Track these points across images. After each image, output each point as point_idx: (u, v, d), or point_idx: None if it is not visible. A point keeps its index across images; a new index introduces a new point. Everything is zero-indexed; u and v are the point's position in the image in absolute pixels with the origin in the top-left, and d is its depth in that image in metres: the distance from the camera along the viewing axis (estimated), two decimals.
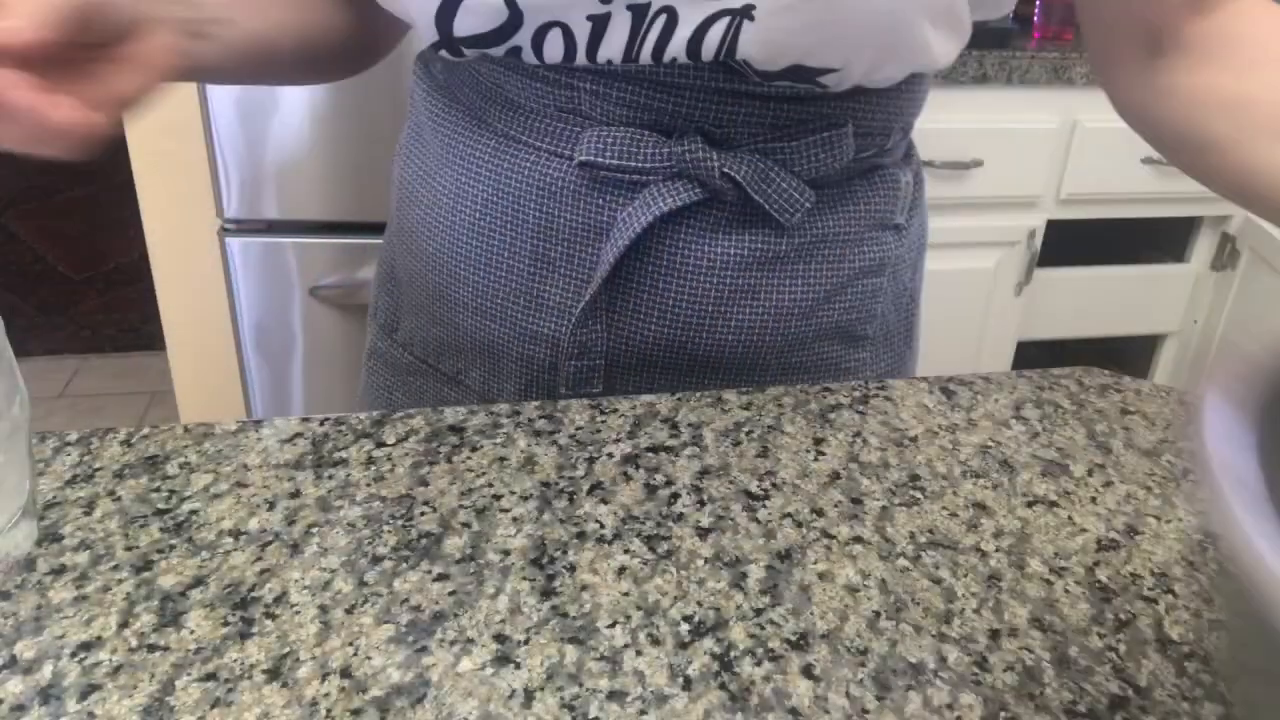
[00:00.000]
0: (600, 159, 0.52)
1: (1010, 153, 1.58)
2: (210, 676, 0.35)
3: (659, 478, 0.47)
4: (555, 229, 0.55)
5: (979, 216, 1.64)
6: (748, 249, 0.54)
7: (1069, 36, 1.69)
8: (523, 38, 0.50)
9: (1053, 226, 1.68)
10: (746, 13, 0.47)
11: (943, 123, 1.52)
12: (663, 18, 0.48)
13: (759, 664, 0.37)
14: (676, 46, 0.49)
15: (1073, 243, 1.76)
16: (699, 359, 0.57)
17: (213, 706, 0.34)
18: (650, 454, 0.49)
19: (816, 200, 0.55)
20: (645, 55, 0.50)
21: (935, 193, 1.58)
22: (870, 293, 0.60)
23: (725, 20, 0.48)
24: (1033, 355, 1.81)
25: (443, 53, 0.53)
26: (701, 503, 0.45)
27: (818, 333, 0.59)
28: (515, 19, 0.49)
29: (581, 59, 0.50)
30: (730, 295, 0.55)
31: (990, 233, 1.65)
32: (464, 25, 0.50)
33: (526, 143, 0.54)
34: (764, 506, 0.45)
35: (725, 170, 0.52)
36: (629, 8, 0.48)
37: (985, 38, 1.54)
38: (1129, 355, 1.98)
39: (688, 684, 0.36)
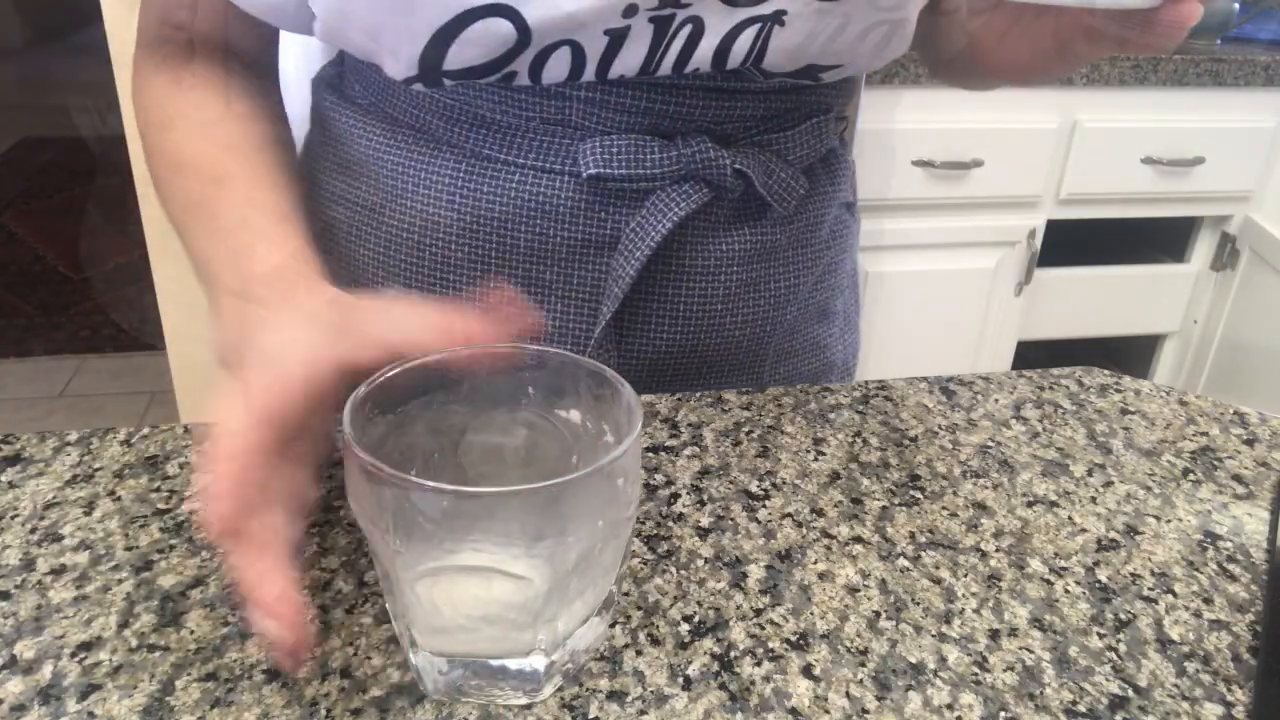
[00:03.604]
0: (607, 170, 0.49)
1: (1010, 153, 1.58)
2: (210, 676, 0.35)
3: (659, 478, 0.47)
4: (550, 250, 0.51)
5: (979, 216, 1.64)
6: (749, 243, 0.54)
7: None
8: (522, 63, 0.46)
9: (1053, 226, 1.68)
10: (778, 18, 0.45)
11: (943, 123, 1.52)
12: (687, 28, 0.45)
13: (759, 664, 0.37)
14: (701, 57, 0.46)
15: (1073, 243, 1.76)
16: (705, 360, 0.56)
17: (213, 706, 0.34)
18: (650, 454, 0.49)
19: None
20: (666, 68, 0.47)
21: (935, 193, 1.58)
22: (836, 270, 0.62)
23: (755, 28, 0.46)
24: (1033, 355, 1.81)
25: (417, 86, 0.49)
26: (701, 503, 0.45)
27: (806, 315, 0.60)
28: (521, 43, 0.45)
29: (589, 77, 0.47)
30: (737, 291, 0.55)
31: (990, 233, 1.65)
32: (458, 58, 0.45)
33: (507, 161, 0.50)
34: (764, 506, 0.45)
35: (737, 167, 0.51)
36: (651, 20, 0.44)
37: None
38: (1129, 355, 1.98)
39: (688, 684, 0.36)
